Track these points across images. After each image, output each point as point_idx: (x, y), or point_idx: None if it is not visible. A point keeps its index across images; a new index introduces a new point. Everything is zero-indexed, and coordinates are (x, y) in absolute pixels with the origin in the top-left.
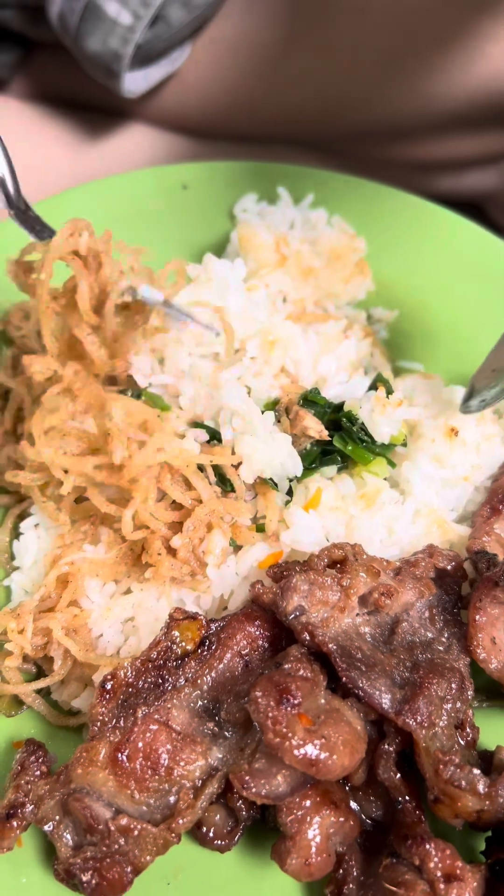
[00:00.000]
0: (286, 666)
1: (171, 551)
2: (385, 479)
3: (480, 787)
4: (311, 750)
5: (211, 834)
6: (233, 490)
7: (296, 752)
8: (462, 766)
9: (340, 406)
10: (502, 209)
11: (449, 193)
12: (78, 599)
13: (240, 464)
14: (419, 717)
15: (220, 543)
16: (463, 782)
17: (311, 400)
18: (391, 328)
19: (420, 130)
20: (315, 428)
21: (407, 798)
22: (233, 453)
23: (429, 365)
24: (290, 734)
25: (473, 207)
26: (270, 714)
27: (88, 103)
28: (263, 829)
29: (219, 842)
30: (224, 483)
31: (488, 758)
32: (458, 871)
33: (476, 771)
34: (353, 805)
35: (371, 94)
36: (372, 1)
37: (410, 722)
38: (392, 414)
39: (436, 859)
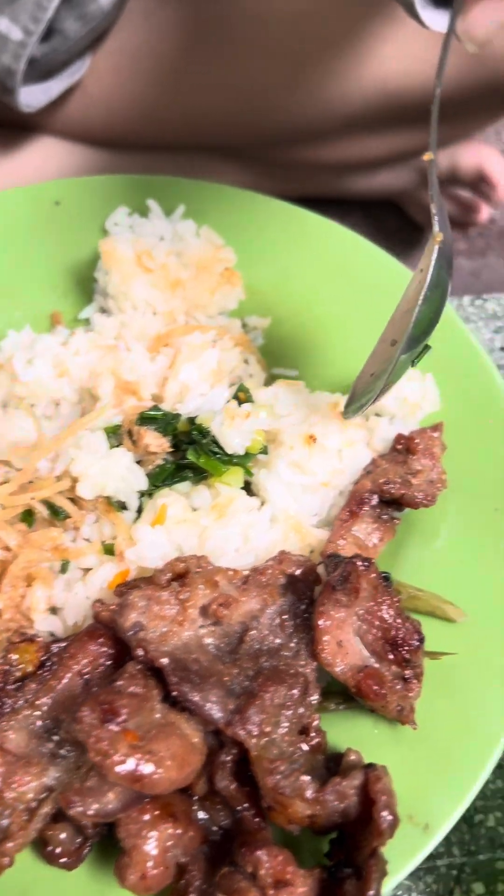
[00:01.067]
0: (118, 683)
1: None
2: (243, 488)
3: (308, 794)
4: (133, 765)
5: (57, 851)
6: (68, 517)
7: (117, 769)
8: (290, 773)
9: (195, 419)
10: (417, 206)
11: (365, 193)
12: None
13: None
14: (249, 727)
15: (43, 597)
16: (288, 790)
17: (149, 417)
18: (268, 335)
19: (327, 133)
20: (156, 443)
21: (246, 806)
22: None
23: (304, 371)
24: (111, 751)
25: (391, 205)
26: (93, 732)
27: None
28: (115, 844)
29: (65, 859)
30: (56, 514)
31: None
32: (288, 877)
33: (305, 777)
34: (202, 814)
35: (272, 99)
36: (268, 7)
37: (240, 732)
38: (242, 425)
39: (266, 866)
